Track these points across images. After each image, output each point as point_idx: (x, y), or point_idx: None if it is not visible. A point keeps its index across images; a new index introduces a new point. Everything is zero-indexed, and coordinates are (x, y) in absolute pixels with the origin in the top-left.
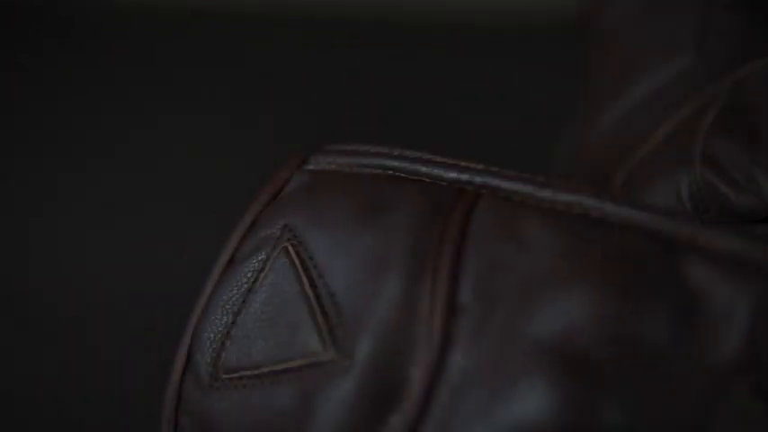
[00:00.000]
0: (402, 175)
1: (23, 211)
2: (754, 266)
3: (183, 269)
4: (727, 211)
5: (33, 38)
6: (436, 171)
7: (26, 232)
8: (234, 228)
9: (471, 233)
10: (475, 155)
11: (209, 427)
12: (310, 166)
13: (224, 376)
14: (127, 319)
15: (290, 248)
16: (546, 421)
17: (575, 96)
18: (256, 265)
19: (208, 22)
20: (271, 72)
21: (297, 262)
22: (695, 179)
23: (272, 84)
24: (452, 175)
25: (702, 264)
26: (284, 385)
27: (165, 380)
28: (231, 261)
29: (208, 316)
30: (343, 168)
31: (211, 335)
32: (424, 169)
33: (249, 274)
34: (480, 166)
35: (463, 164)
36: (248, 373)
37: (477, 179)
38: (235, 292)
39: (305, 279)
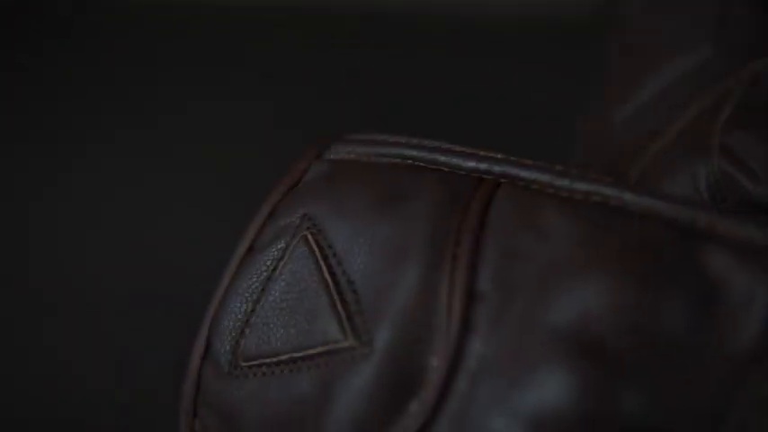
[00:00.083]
0: (421, 164)
1: (24, 212)
2: None
3: (184, 267)
4: (745, 201)
5: (33, 38)
6: (455, 160)
7: (26, 232)
8: (252, 217)
9: (490, 222)
10: None
11: (228, 416)
12: (329, 156)
13: (243, 364)
14: (127, 316)
15: (310, 237)
16: (565, 409)
17: (575, 96)
18: (276, 253)
19: (208, 22)
20: (271, 72)
21: (316, 250)
22: (712, 171)
23: (273, 83)
24: (471, 164)
25: (721, 252)
26: (303, 373)
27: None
28: (250, 250)
29: (227, 304)
30: (361, 158)
31: (230, 323)
32: (442, 158)
33: (268, 263)
34: (499, 156)
35: (482, 153)
36: (268, 360)
37: (497, 168)
38: (254, 280)
39: (324, 267)
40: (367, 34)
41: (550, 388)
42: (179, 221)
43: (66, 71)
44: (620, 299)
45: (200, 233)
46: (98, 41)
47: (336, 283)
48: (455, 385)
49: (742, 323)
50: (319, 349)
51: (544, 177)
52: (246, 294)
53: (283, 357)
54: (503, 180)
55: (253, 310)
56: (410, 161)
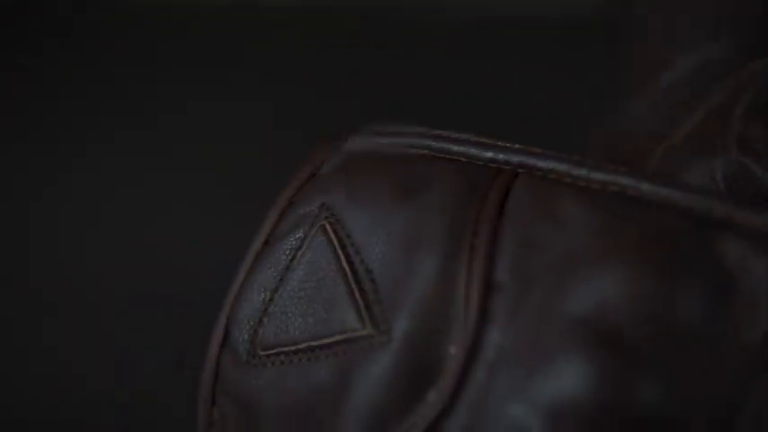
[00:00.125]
0: (439, 155)
1: (24, 211)
2: None
3: (184, 267)
4: (762, 194)
5: (33, 38)
6: (473, 151)
7: (26, 232)
8: (265, 212)
9: (508, 212)
10: None
11: (247, 404)
12: (347, 147)
13: (261, 353)
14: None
15: (328, 226)
16: (582, 398)
17: (575, 96)
18: (294, 243)
19: (208, 22)
20: (271, 72)
21: (334, 239)
22: (729, 163)
23: (273, 83)
24: (489, 154)
25: (738, 242)
26: (321, 361)
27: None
28: (268, 240)
29: (245, 294)
30: (379, 149)
31: (249, 312)
32: (460, 149)
33: (287, 252)
34: (517, 146)
35: (500, 144)
36: (286, 349)
37: (514, 159)
38: (272, 269)
39: (342, 256)
40: (367, 34)
41: (568, 377)
42: (179, 221)
43: (66, 71)
44: (637, 288)
45: (200, 233)
46: (98, 41)
47: (354, 273)
48: (473, 374)
49: (758, 312)
50: (337, 338)
51: (562, 167)
52: (264, 284)
53: (301, 346)
54: (520, 170)
55: (271, 300)
56: (428, 152)
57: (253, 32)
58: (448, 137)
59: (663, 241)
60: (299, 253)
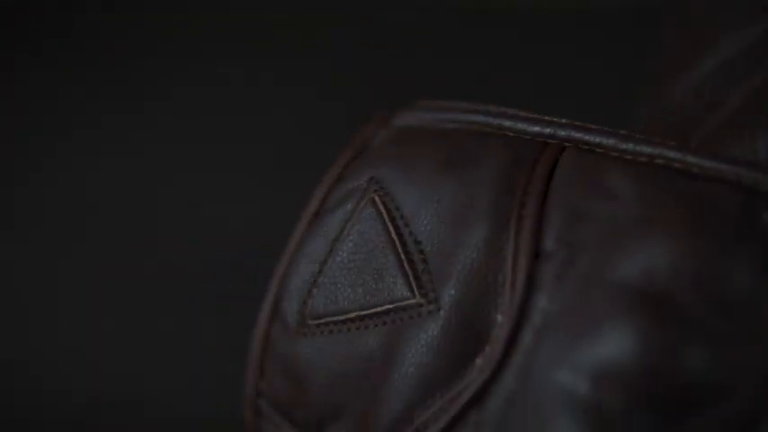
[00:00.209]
0: (486, 129)
1: (23, 212)
2: None
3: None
4: None
5: (33, 38)
6: (520, 125)
7: (26, 233)
8: (320, 181)
9: (555, 185)
10: None
11: (296, 373)
12: (396, 122)
13: (311, 322)
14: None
15: (377, 199)
16: (629, 363)
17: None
18: (343, 215)
19: (208, 22)
20: (272, 72)
21: (384, 212)
22: None
23: (274, 84)
24: (536, 128)
25: None
26: (371, 330)
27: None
28: (318, 213)
29: (294, 265)
30: (428, 124)
31: (298, 283)
32: (508, 123)
33: (336, 224)
34: (564, 121)
35: (547, 118)
36: (335, 318)
37: (561, 132)
38: (321, 241)
39: (391, 228)
40: (367, 34)
41: (614, 343)
42: (178, 224)
43: (66, 71)
44: (685, 256)
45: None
46: (98, 41)
47: (404, 244)
48: (520, 340)
49: None
50: (386, 307)
51: (608, 141)
52: (314, 255)
53: (351, 315)
54: (567, 144)
55: (320, 271)
56: (476, 126)
57: (253, 32)
58: (495, 112)
59: (711, 211)
60: (348, 225)
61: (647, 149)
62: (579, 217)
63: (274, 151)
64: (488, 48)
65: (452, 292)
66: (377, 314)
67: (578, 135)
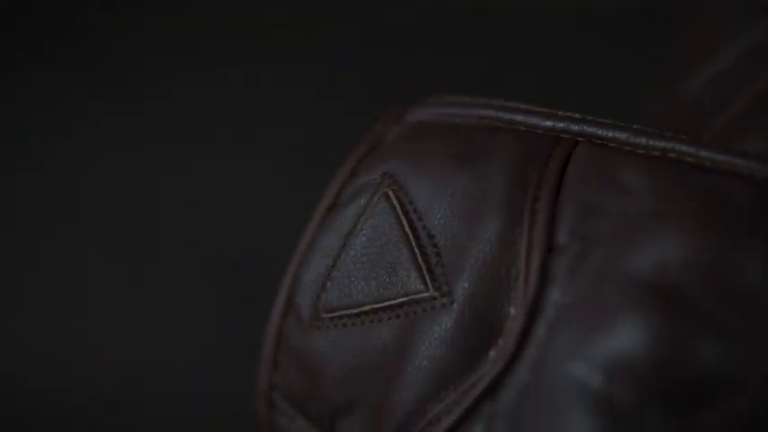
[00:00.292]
0: (498, 124)
1: (23, 212)
2: None
3: (183, 272)
4: None
5: (33, 38)
6: (533, 120)
7: (26, 233)
8: (334, 176)
9: (568, 179)
10: None
11: (310, 366)
12: (408, 118)
13: (325, 316)
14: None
15: (391, 193)
16: (641, 356)
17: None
18: (356, 210)
19: (208, 22)
20: (272, 72)
21: (397, 206)
22: None
23: (274, 84)
24: (549, 123)
25: None
26: (384, 323)
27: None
28: (331, 207)
29: (308, 260)
30: (440, 119)
31: (312, 278)
32: (520, 118)
33: (349, 219)
34: (577, 115)
35: (560, 113)
36: (349, 312)
37: (574, 127)
38: (335, 236)
39: (405, 222)
40: (367, 34)
41: (627, 336)
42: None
43: (67, 71)
44: (698, 250)
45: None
46: (98, 41)
47: (417, 237)
48: (534, 333)
49: None
50: (400, 300)
51: (621, 135)
52: (328, 249)
53: (365, 308)
54: (580, 139)
55: (334, 265)
56: (487, 121)
57: (253, 32)
58: (508, 107)
59: (723, 205)
60: (362, 219)
61: (659, 144)
62: (592, 211)
63: (274, 151)
64: (488, 48)
65: (466, 285)
66: (390, 307)
67: (591, 130)
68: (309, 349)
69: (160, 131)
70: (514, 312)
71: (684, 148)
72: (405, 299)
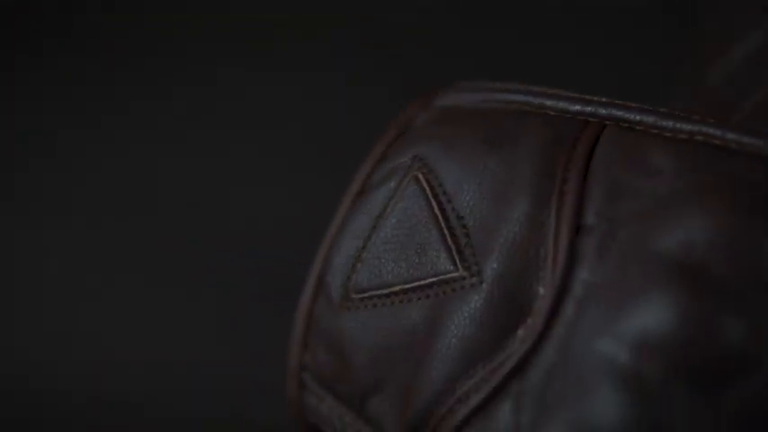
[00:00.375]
0: (526, 108)
1: (23, 212)
2: None
3: (184, 272)
4: None
5: (33, 38)
6: (561, 104)
7: (26, 233)
8: (364, 160)
9: (596, 161)
10: None
11: (340, 347)
12: (438, 103)
13: (355, 296)
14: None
15: (421, 176)
16: (667, 334)
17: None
18: (386, 193)
19: (208, 22)
20: (272, 72)
21: (427, 188)
22: None
23: (274, 84)
24: (577, 107)
25: None
26: (414, 303)
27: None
28: (361, 191)
29: (338, 242)
30: (469, 104)
31: (342, 260)
32: (549, 103)
33: (379, 202)
34: (604, 99)
35: (587, 97)
36: (379, 292)
37: (602, 111)
38: (365, 218)
39: (434, 204)
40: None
41: (654, 314)
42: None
43: (67, 71)
44: (724, 229)
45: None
46: (98, 41)
47: (446, 219)
48: (562, 312)
49: None
50: (430, 280)
51: (649, 119)
52: (358, 231)
53: (395, 289)
54: (608, 122)
55: (364, 247)
56: (515, 105)
57: (253, 32)
58: (536, 91)
59: (749, 186)
60: (392, 201)
61: (687, 127)
62: (620, 193)
63: (274, 151)
64: (488, 48)
65: (495, 265)
66: (420, 287)
67: (619, 113)
68: (339, 330)
69: (160, 131)
70: (543, 292)
71: (711, 130)
72: (434, 279)
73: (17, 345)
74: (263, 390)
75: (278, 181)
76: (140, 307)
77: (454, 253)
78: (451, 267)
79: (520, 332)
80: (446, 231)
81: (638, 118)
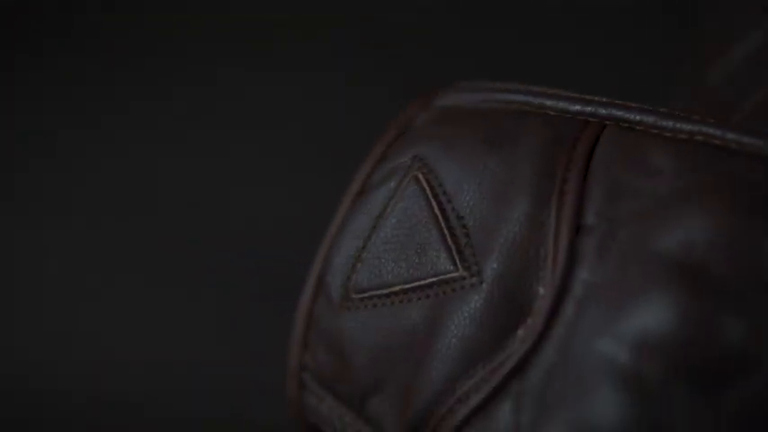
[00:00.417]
0: (526, 108)
1: (23, 213)
2: None
3: (184, 271)
4: None
5: (33, 38)
6: (561, 104)
7: (26, 233)
8: (364, 160)
9: (596, 161)
10: None
11: (340, 347)
12: (438, 103)
13: (355, 296)
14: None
15: (421, 176)
16: (667, 334)
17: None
18: (386, 193)
19: (208, 22)
20: (272, 72)
21: (427, 188)
22: None
23: (274, 84)
24: (577, 107)
25: None
26: (414, 303)
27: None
28: (361, 191)
29: (338, 242)
30: (469, 104)
31: (342, 260)
32: (549, 103)
33: (379, 202)
34: (605, 99)
35: (587, 97)
36: (379, 292)
37: (602, 111)
38: (365, 218)
39: (434, 204)
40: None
41: (654, 314)
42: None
43: (67, 71)
44: (723, 229)
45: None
46: (98, 41)
47: (446, 219)
48: (562, 312)
49: None
50: (430, 280)
51: (649, 119)
52: (358, 232)
53: (395, 289)
54: (608, 122)
55: (364, 247)
56: (515, 105)
57: (253, 32)
58: (536, 91)
59: (749, 186)
60: (392, 201)
61: (687, 127)
62: (620, 193)
63: (274, 151)
64: (488, 48)
65: (495, 265)
66: (420, 287)
67: (619, 113)
68: (339, 330)
69: (160, 131)
70: (543, 292)
71: (711, 130)
72: (434, 279)
73: (17, 345)
74: (263, 390)
75: (278, 181)
76: (140, 307)
77: (454, 253)
78: (451, 267)
79: (520, 332)
80: (446, 231)
81: (638, 118)
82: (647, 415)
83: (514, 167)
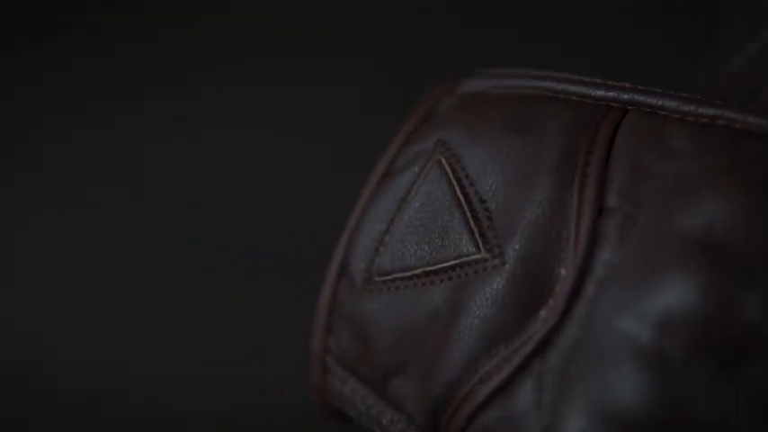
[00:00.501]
0: (549, 94)
1: (24, 212)
2: None
3: (184, 271)
4: None
5: (33, 38)
6: (584, 90)
7: (27, 233)
8: (388, 145)
9: (618, 145)
10: None
11: (363, 328)
12: (460, 89)
13: (378, 279)
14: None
15: (444, 160)
16: (689, 312)
17: None
18: (410, 177)
19: (208, 22)
20: (272, 72)
21: (449, 172)
22: None
23: (274, 84)
24: (600, 92)
25: None
26: (437, 285)
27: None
28: (385, 175)
29: (362, 225)
30: (492, 90)
31: (366, 242)
32: (571, 88)
33: (403, 185)
34: (627, 85)
35: (610, 83)
36: (401, 275)
37: (624, 96)
38: (389, 201)
39: (457, 187)
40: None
41: (675, 292)
42: (180, 224)
43: (67, 71)
44: (743, 209)
45: (199, 234)
46: (98, 41)
47: (469, 202)
48: (583, 292)
49: None
50: (452, 262)
51: (671, 103)
52: (382, 215)
53: (417, 271)
54: (630, 107)
55: (387, 230)
56: (539, 91)
57: (254, 32)
58: (559, 77)
59: (764, 168)
60: (415, 185)
61: (709, 111)
62: (642, 175)
63: (274, 151)
64: (488, 48)
65: (517, 247)
66: (443, 269)
67: (641, 98)
68: (362, 313)
69: (160, 131)
70: (564, 273)
71: (733, 115)
72: (457, 261)
73: (17, 345)
74: (263, 390)
75: (278, 181)
76: (140, 307)
77: (477, 235)
78: (474, 249)
79: (542, 313)
80: (468, 214)
81: (660, 103)
82: (669, 393)
83: (538, 152)
